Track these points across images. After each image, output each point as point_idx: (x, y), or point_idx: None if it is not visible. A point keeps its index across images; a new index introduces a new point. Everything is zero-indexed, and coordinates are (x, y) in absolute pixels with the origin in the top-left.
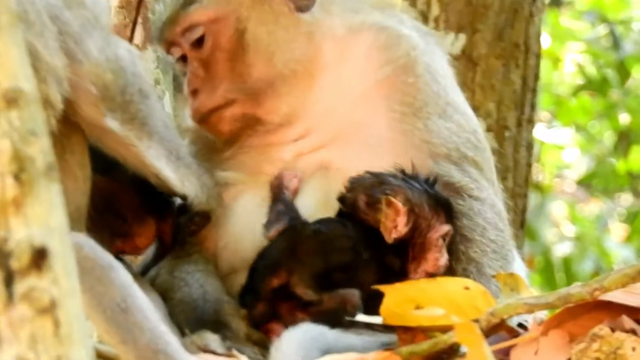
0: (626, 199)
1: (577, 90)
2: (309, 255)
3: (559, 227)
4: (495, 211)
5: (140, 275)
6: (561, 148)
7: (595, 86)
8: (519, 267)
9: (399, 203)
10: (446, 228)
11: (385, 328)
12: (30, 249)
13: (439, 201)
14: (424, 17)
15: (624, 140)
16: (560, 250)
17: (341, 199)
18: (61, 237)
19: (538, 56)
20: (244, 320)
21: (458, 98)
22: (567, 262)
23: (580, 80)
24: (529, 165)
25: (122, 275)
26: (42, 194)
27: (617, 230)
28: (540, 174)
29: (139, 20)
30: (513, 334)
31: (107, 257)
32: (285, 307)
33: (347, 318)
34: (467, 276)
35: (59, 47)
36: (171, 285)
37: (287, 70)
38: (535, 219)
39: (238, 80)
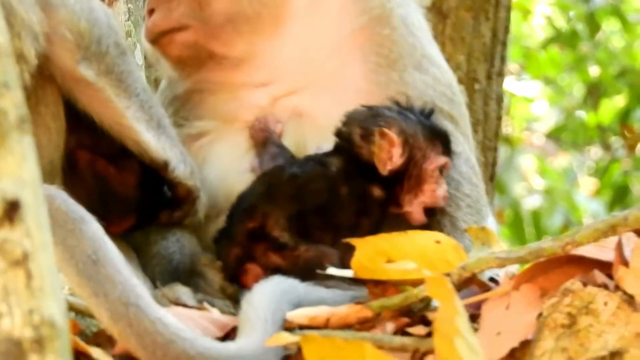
0: (596, 152)
1: (546, 43)
2: (284, 198)
3: (528, 181)
4: (469, 165)
5: None
6: (530, 101)
7: (565, 39)
8: (490, 222)
9: (393, 134)
10: (443, 159)
11: (356, 282)
12: (2, 201)
13: (435, 132)
14: None
15: (594, 93)
16: (530, 203)
17: (337, 133)
18: (33, 190)
19: (508, 9)
20: (219, 272)
21: (434, 51)
22: (536, 215)
23: (543, 33)
24: (499, 119)
25: (93, 227)
26: (14, 147)
27: (587, 183)
28: (510, 126)
29: None
30: (484, 288)
31: (79, 210)
32: (259, 249)
33: (318, 271)
34: (441, 230)
35: (35, 2)
36: (147, 240)
37: (250, 10)
38: (505, 172)
39: (196, 7)
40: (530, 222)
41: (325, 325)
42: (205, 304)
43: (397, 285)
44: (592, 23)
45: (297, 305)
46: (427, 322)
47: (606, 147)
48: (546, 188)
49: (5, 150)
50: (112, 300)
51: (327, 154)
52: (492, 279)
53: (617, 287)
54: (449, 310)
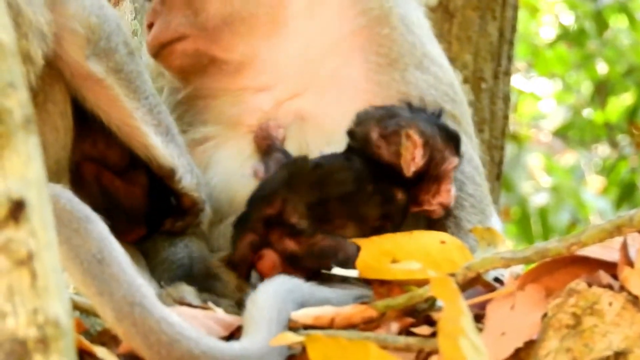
0: (603, 150)
1: (554, 41)
2: (305, 186)
3: (536, 178)
4: (473, 165)
5: None
6: (538, 98)
7: (573, 36)
8: (495, 221)
9: (416, 135)
10: (456, 160)
11: (361, 281)
12: (7, 201)
13: (448, 133)
14: None
15: (601, 90)
16: (537, 201)
17: (350, 133)
18: (39, 190)
19: (515, 8)
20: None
21: (435, 50)
22: (543, 213)
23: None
24: (506, 118)
25: (99, 227)
26: (20, 147)
27: (594, 181)
28: (517, 124)
29: None
30: (489, 288)
31: (84, 209)
32: (275, 235)
33: (323, 271)
34: (445, 230)
35: (43, 3)
36: (155, 246)
37: (245, 11)
38: (512, 169)
39: (192, 15)
40: (538, 220)
41: (330, 325)
42: (210, 304)
43: (402, 285)
44: (600, 21)
45: (302, 305)
46: (431, 322)
47: (613, 144)
48: (553, 186)
49: (11, 150)
50: (117, 300)
51: (342, 154)
52: (497, 279)
53: (622, 288)
54: (454, 310)
